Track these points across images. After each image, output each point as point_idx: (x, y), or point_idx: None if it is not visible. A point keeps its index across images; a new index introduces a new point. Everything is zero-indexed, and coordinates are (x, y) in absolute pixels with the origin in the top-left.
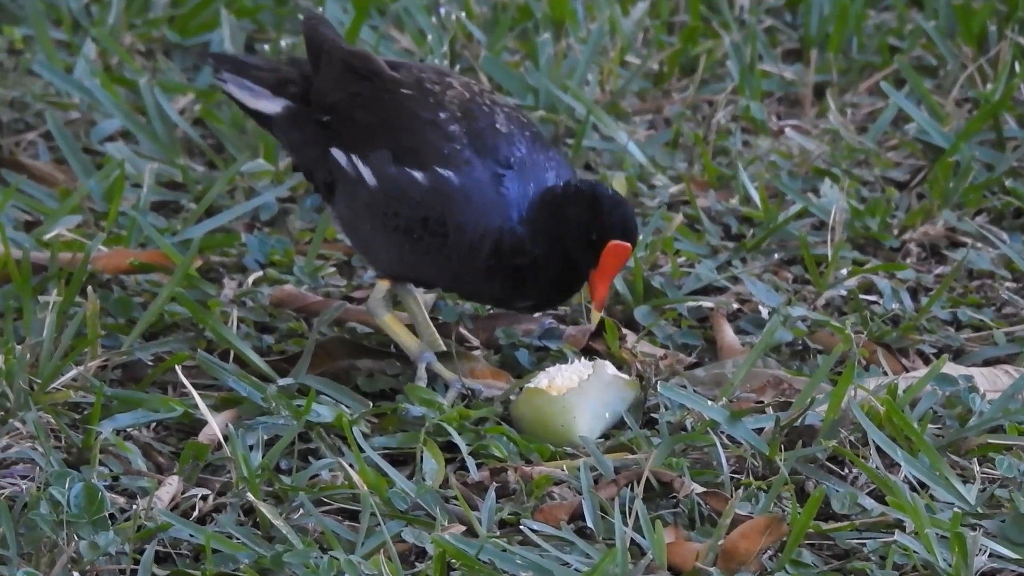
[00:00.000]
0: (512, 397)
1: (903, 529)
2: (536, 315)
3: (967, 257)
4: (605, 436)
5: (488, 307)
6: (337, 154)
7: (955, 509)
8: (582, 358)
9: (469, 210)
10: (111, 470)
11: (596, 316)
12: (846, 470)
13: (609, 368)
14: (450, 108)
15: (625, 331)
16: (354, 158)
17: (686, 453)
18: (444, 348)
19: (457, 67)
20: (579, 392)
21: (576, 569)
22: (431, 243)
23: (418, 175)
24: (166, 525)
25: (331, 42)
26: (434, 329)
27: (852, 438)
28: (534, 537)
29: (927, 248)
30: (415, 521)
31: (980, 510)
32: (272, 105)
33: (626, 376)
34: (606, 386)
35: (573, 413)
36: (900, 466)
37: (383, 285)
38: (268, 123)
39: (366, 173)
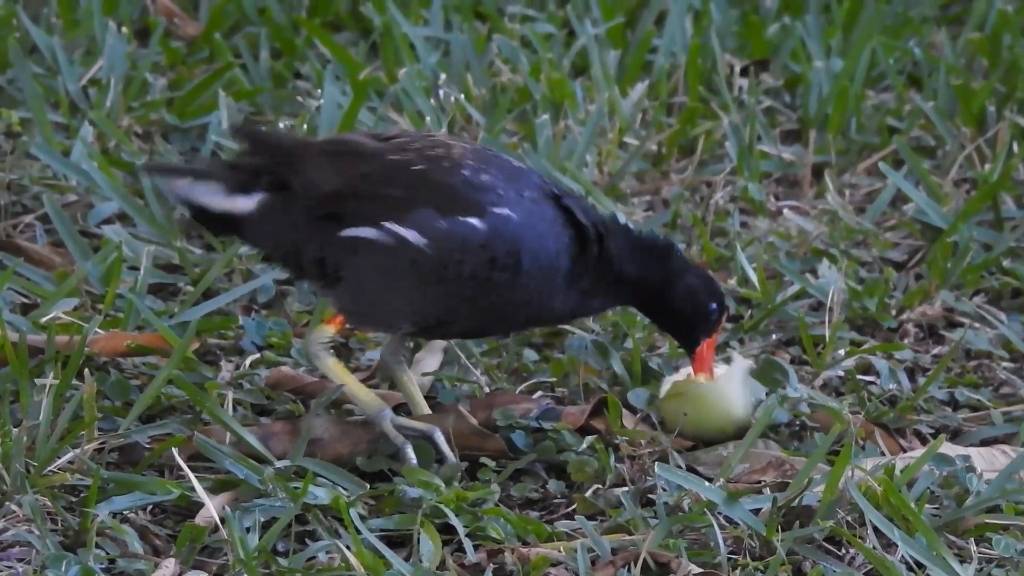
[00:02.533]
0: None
1: None
2: (535, 396)
3: (965, 337)
4: (602, 515)
5: (487, 388)
6: (356, 231)
7: None
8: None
9: (537, 237)
10: (108, 553)
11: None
12: (843, 550)
13: (744, 360)
14: (469, 164)
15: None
16: (388, 225)
17: (683, 534)
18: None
19: None
20: (729, 378)
21: None
22: (500, 279)
23: (475, 221)
24: None
25: (290, 139)
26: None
27: (849, 518)
28: None
29: (925, 328)
30: None
31: None
32: (246, 202)
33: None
34: (745, 373)
35: (729, 398)
36: (897, 546)
37: (328, 329)
38: (232, 223)
39: (410, 235)
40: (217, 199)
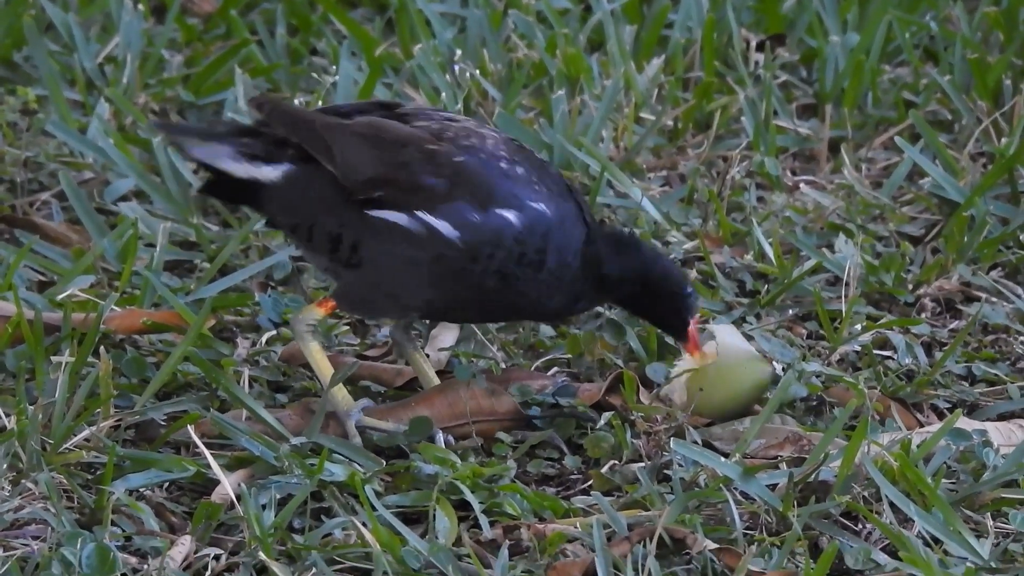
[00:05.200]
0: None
1: None
2: (551, 373)
3: (981, 311)
4: (619, 491)
5: (503, 365)
6: (386, 215)
7: (968, 564)
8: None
9: (564, 235)
10: (123, 530)
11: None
12: (860, 525)
13: (724, 326)
14: (503, 155)
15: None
16: (420, 215)
17: (699, 509)
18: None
19: None
20: (732, 345)
21: None
22: (523, 274)
23: (511, 215)
24: None
25: (319, 119)
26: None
27: (866, 493)
28: None
29: (942, 303)
30: None
31: (994, 565)
32: (271, 171)
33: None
34: (734, 332)
35: (756, 364)
36: (914, 521)
37: (317, 311)
38: (251, 191)
39: (442, 227)
40: (246, 167)
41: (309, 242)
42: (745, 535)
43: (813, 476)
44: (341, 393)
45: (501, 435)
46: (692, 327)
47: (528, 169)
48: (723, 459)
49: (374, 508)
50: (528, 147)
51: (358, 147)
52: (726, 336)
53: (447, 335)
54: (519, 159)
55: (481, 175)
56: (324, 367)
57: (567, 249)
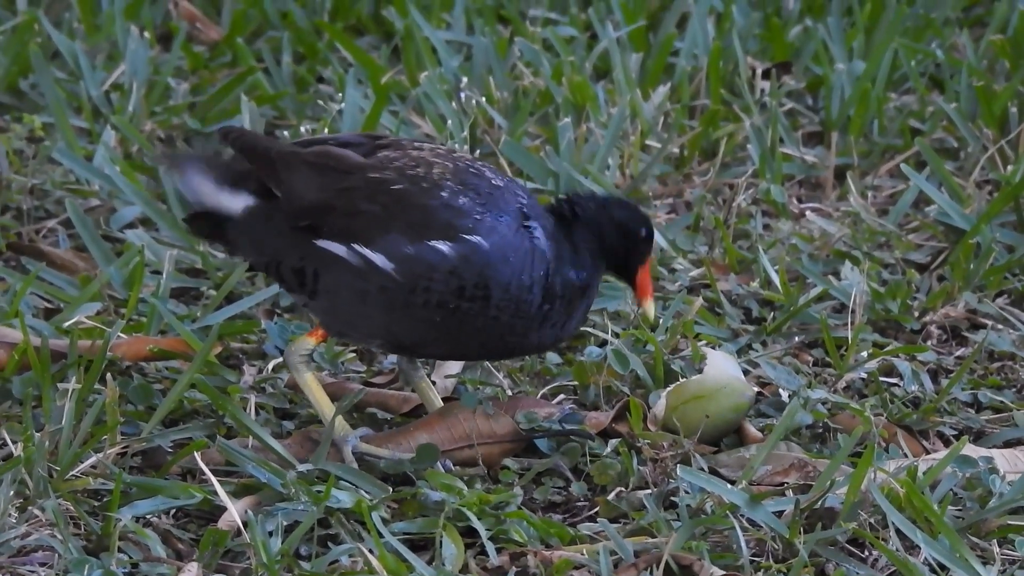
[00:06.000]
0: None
1: None
2: (557, 400)
3: (987, 339)
4: (625, 518)
5: (509, 391)
6: (329, 245)
7: None
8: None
9: (509, 268)
10: (130, 557)
11: (651, 306)
12: (866, 552)
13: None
14: (447, 185)
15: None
16: (356, 247)
17: (706, 536)
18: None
19: (477, 152)
20: (729, 367)
21: None
22: (470, 309)
23: (444, 248)
24: None
25: (276, 148)
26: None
27: (872, 520)
28: None
29: (948, 330)
30: None
31: None
32: (233, 201)
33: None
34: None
35: (737, 387)
36: (920, 548)
37: (309, 341)
38: (219, 223)
39: (377, 259)
40: (211, 192)
41: (277, 277)
42: (752, 562)
43: (819, 503)
44: (339, 420)
45: (507, 462)
46: (644, 273)
47: (473, 199)
48: (729, 486)
49: (381, 535)
50: (489, 173)
51: (306, 175)
52: (719, 360)
53: (454, 362)
54: (465, 189)
55: (417, 204)
56: (320, 396)
57: (516, 283)
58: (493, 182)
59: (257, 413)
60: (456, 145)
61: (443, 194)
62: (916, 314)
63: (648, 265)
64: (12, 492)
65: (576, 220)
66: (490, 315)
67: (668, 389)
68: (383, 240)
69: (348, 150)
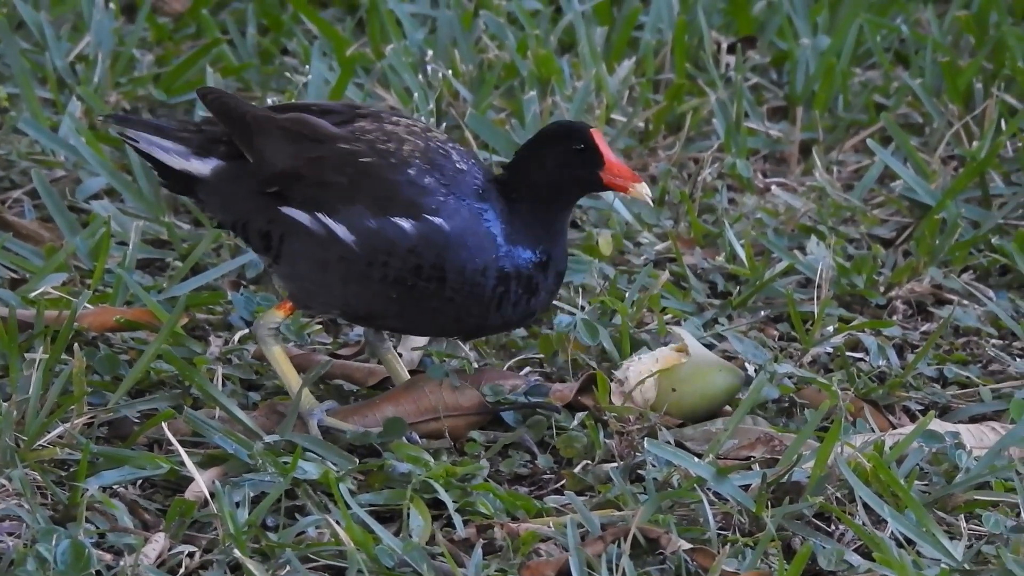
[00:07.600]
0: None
1: None
2: (523, 372)
3: (953, 314)
4: (592, 491)
5: (475, 364)
6: (293, 212)
7: (942, 565)
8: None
9: (466, 252)
10: (97, 527)
11: (644, 186)
12: (833, 527)
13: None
14: (415, 163)
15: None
16: (320, 216)
17: (673, 510)
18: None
19: (443, 125)
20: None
21: None
22: (426, 288)
23: (406, 225)
24: None
25: (252, 111)
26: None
27: (839, 495)
28: None
29: (913, 305)
30: None
31: (967, 567)
32: (202, 166)
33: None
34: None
35: (729, 368)
36: (887, 523)
37: (277, 314)
38: (190, 184)
39: (339, 230)
40: (176, 159)
41: (244, 238)
42: (719, 535)
43: (786, 477)
44: (305, 393)
45: (474, 435)
46: (610, 170)
47: (438, 179)
48: (696, 459)
49: (348, 506)
50: (457, 153)
51: (278, 141)
52: (689, 339)
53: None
54: (431, 168)
55: (384, 179)
56: (287, 370)
57: (471, 268)
58: (458, 165)
59: (224, 384)
60: (422, 118)
61: (410, 171)
62: (882, 289)
63: (611, 162)
64: None
65: (520, 186)
66: (445, 296)
67: (651, 375)
68: (347, 211)
69: (324, 119)
